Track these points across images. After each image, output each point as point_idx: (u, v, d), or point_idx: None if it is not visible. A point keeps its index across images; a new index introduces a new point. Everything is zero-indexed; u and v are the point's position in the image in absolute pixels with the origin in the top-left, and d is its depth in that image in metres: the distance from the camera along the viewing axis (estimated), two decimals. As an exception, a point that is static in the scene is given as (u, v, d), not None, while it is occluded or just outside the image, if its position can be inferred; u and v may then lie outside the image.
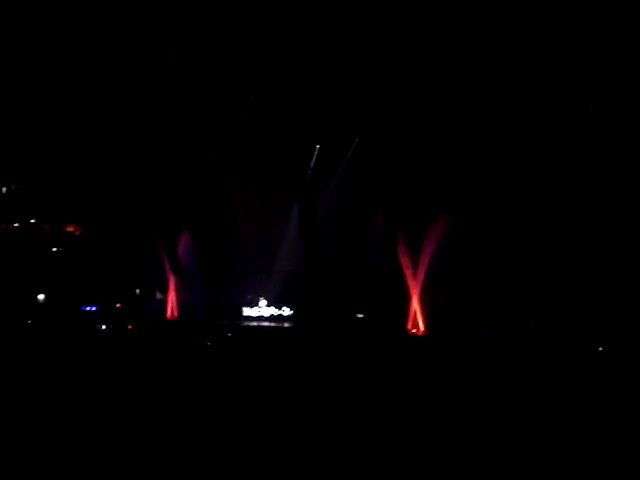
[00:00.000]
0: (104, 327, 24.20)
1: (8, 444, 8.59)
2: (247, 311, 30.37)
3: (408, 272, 24.94)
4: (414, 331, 24.22)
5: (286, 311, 29.33)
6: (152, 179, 32.36)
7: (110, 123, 26.88)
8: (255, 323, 28.24)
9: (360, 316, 26.45)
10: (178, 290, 33.16)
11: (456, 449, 8.48)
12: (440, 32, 20.95)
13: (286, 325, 27.52)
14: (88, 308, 34.77)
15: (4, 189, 34.88)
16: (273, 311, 29.60)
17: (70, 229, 37.26)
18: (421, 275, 24.55)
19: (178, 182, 33.22)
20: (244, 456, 8.19)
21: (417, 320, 24.75)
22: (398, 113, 24.03)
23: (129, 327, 24.51)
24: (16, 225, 35.61)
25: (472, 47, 20.96)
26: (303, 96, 23.45)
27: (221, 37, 18.42)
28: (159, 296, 33.81)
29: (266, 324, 27.80)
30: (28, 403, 10.72)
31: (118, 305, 35.16)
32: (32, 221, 35.89)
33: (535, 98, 22.21)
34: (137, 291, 35.00)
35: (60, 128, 26.96)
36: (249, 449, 8.46)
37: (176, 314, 31.85)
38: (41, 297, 34.63)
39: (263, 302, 30.09)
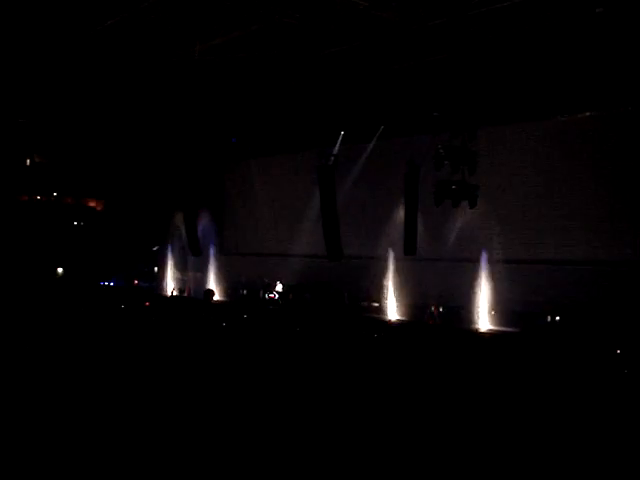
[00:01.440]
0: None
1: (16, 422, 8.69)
2: (263, 294, 30.51)
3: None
4: (430, 322, 24.16)
5: (302, 296, 29.40)
6: (175, 158, 32.53)
7: (135, 101, 26.96)
8: (271, 306, 28.34)
9: (376, 305, 26.48)
10: (195, 270, 33.41)
11: (460, 450, 8.45)
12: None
13: (302, 309, 27.56)
14: (106, 283, 35.15)
15: (28, 161, 35.18)
16: (289, 295, 29.68)
17: (92, 204, 37.57)
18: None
19: (201, 161, 33.40)
20: (250, 445, 8.22)
21: (433, 311, 24.75)
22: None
23: (146, 304, 24.68)
24: (38, 198, 35.94)
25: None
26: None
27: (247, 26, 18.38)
28: (176, 275, 34.06)
29: (282, 308, 27.89)
30: (39, 382, 10.79)
31: (136, 282, 35.50)
32: (55, 194, 36.20)
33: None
34: (155, 269, 35.28)
35: (86, 102, 27.08)
36: (255, 438, 8.50)
37: (192, 293, 32.03)
38: (60, 270, 34.99)
39: (279, 286, 30.19)
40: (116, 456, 7.64)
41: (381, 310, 25.83)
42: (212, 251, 32.81)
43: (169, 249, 33.84)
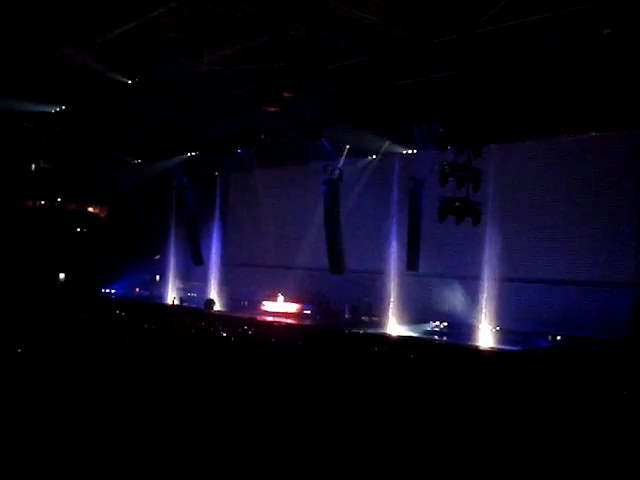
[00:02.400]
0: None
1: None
2: (264, 306, 30.44)
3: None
4: (429, 338, 24.06)
5: (303, 308, 29.34)
6: (179, 166, 32.61)
7: (139, 108, 27.13)
8: (271, 318, 28.25)
9: (376, 319, 26.41)
10: (197, 280, 33.38)
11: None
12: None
13: (302, 323, 27.48)
14: (107, 290, 35.13)
15: (33, 166, 35.20)
16: (290, 307, 29.60)
17: (95, 210, 37.57)
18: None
19: (205, 171, 33.48)
20: (244, 457, 8.18)
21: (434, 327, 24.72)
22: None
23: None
24: (42, 203, 35.92)
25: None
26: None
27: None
28: (178, 284, 34.02)
29: (282, 320, 27.79)
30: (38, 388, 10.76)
31: (137, 290, 35.46)
32: (58, 200, 36.19)
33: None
34: (157, 277, 35.24)
35: (92, 108, 27.24)
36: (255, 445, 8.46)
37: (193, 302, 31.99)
38: (62, 276, 34.98)
39: (280, 298, 30.14)
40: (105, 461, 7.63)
41: (382, 325, 25.76)
42: (214, 261, 32.78)
43: (171, 258, 33.83)
